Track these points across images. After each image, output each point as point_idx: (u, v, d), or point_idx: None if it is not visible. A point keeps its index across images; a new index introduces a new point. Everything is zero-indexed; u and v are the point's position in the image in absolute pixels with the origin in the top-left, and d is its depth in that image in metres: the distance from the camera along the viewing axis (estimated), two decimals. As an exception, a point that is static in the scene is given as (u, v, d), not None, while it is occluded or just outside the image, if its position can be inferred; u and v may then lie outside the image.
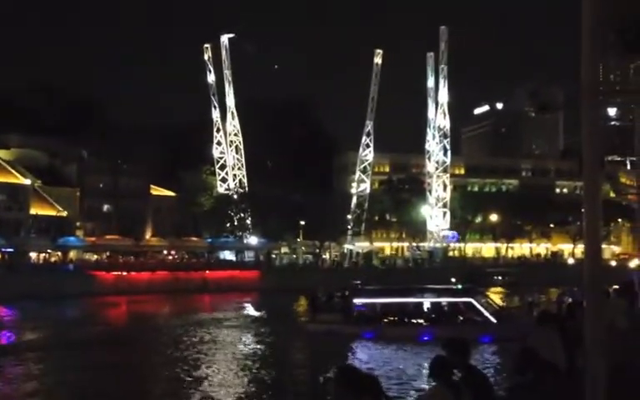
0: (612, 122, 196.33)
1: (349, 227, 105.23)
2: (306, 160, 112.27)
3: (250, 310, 59.21)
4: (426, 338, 35.44)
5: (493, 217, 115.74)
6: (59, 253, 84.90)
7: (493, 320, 37.90)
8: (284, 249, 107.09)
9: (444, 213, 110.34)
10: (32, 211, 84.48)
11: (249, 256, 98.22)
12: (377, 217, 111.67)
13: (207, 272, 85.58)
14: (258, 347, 38.95)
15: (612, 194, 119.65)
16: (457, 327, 35.16)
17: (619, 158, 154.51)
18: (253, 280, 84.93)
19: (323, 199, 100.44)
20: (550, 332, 10.78)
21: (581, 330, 6.57)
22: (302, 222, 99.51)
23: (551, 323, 11.36)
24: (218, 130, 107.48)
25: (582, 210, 6.19)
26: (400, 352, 34.75)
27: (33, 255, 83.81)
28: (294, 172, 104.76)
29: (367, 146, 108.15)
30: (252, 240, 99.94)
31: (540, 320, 11.92)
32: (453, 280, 58.90)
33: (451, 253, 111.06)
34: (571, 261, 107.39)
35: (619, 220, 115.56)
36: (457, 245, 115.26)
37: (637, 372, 11.29)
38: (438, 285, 45.18)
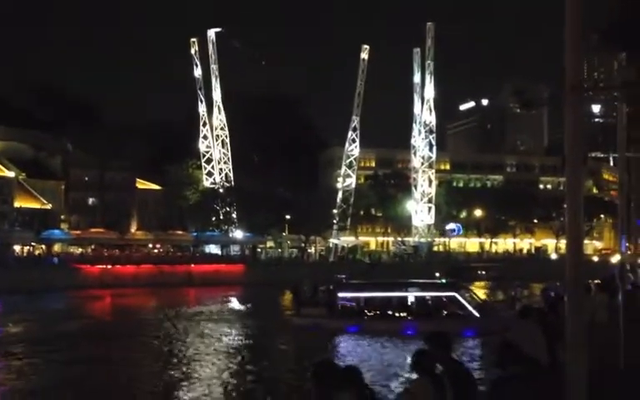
0: (597, 119, 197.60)
1: (335, 221, 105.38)
2: (292, 155, 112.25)
3: (235, 304, 59.06)
4: (410, 332, 35.50)
5: (478, 213, 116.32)
6: (43, 246, 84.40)
7: (477, 314, 38.05)
8: (270, 243, 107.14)
9: (429, 208, 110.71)
10: (17, 204, 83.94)
11: (235, 250, 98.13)
12: (362, 212, 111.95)
13: (193, 265, 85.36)
14: (243, 340, 38.87)
15: (595, 190, 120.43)
16: (441, 321, 35.27)
17: (602, 155, 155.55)
18: (239, 274, 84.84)
19: (309, 194, 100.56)
20: (531, 326, 10.84)
21: (563, 324, 6.62)
22: (288, 217, 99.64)
23: (532, 317, 11.46)
24: (205, 124, 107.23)
25: (565, 206, 6.25)
26: (383, 345, 34.85)
27: (17, 248, 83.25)
28: (280, 167, 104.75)
29: (353, 141, 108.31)
30: (238, 234, 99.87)
31: (522, 314, 12.01)
32: (437, 274, 59.20)
33: (435, 248, 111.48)
34: (554, 256, 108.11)
35: (602, 216, 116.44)
36: (442, 240, 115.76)
37: (616, 366, 11.40)
38: (423, 279, 45.27)
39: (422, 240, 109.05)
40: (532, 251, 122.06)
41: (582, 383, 5.92)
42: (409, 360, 6.53)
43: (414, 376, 6.51)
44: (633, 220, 21.34)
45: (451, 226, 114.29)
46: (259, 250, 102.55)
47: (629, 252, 21.75)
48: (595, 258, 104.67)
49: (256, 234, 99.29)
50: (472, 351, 32.36)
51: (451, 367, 7.02)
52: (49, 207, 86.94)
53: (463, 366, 7.66)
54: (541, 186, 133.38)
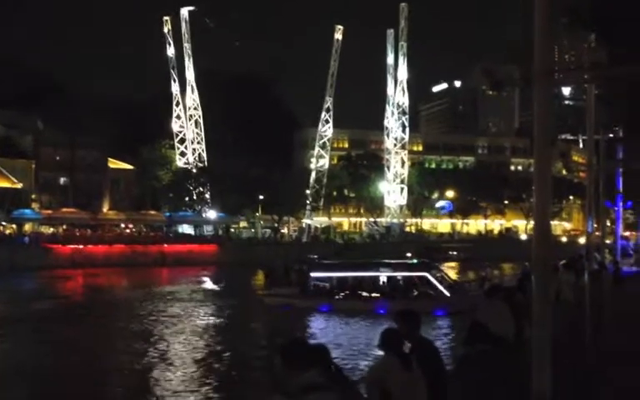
0: (567, 102, 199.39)
1: (308, 202, 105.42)
2: (266, 135, 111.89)
3: (208, 284, 59.13)
4: (381, 312, 35.85)
5: (450, 194, 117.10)
6: (14, 226, 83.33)
7: (447, 294, 38.57)
8: (243, 224, 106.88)
9: (402, 189, 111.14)
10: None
11: (208, 230, 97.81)
12: (335, 193, 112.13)
13: (166, 245, 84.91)
14: (216, 320, 38.96)
15: (564, 172, 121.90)
16: (412, 301, 35.62)
17: (572, 137, 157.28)
18: (211, 254, 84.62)
19: (283, 174, 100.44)
20: (499, 305, 10.98)
21: (530, 303, 6.71)
22: (261, 197, 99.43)
23: (500, 296, 11.58)
24: (178, 104, 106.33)
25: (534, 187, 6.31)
26: (354, 324, 35.16)
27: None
28: (254, 147, 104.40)
29: (327, 122, 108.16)
30: (211, 214, 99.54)
31: (489, 293, 12.11)
32: (409, 255, 59.65)
33: (407, 229, 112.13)
34: (524, 237, 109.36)
35: (571, 197, 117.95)
36: (414, 220, 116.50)
37: (581, 343, 11.58)
38: (394, 260, 45.62)
39: (395, 221, 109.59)
40: (503, 232, 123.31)
41: (546, 359, 6.03)
42: (378, 338, 6.54)
43: (382, 353, 6.53)
44: (601, 201, 21.65)
45: (441, 203, 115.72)
46: (232, 230, 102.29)
47: (596, 233, 22.07)
48: (564, 239, 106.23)
49: (229, 214, 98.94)
50: (442, 330, 32.78)
51: (419, 345, 7.06)
52: (20, 186, 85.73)
53: (432, 344, 7.72)
54: (512, 167, 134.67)
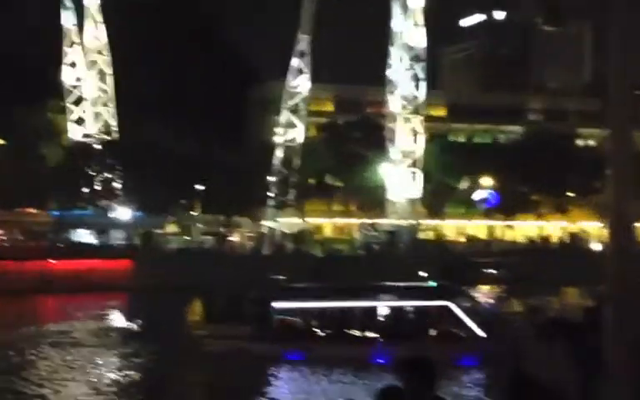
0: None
1: (271, 194, 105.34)
2: (207, 94, 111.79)
3: (118, 320, 59.63)
4: (380, 361, 35.91)
5: (486, 182, 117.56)
6: None
7: (481, 333, 38.86)
8: (172, 227, 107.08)
9: (414, 175, 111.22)
10: None
11: (118, 238, 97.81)
12: (313, 181, 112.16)
13: (52, 261, 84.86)
14: (128, 374, 38.84)
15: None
16: (428, 344, 35.72)
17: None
18: (123, 274, 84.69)
19: (233, 153, 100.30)
20: (558, 351, 10.94)
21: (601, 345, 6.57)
22: (200, 188, 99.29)
23: (561, 337, 11.53)
24: (72, 44, 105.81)
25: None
26: (341, 381, 35.13)
27: None
28: (189, 113, 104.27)
29: (300, 72, 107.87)
30: (123, 213, 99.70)
31: (544, 332, 12.08)
32: (424, 274, 59.80)
33: (422, 235, 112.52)
34: (598, 247, 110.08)
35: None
36: (432, 222, 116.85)
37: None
38: (401, 282, 45.72)
39: (403, 223, 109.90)
40: (566, 239, 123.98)
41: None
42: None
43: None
44: None
45: (482, 194, 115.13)
46: (156, 237, 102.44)
47: None
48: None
49: (151, 214, 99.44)
50: (471, 387, 32.90)
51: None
52: None
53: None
54: (580, 142, 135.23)
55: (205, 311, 46.72)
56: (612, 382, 6.21)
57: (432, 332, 39.28)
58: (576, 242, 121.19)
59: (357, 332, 39.93)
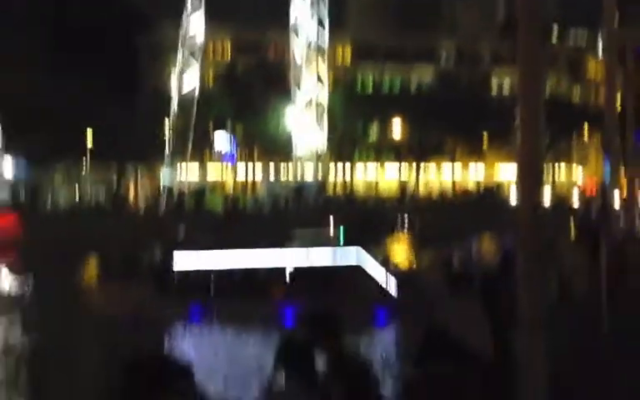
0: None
1: (167, 147, 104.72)
2: (94, 36, 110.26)
3: (4, 278, 59.59)
4: (287, 319, 36.19)
5: (397, 128, 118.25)
6: None
7: (391, 288, 39.50)
8: (59, 180, 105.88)
9: (319, 122, 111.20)
10: None
11: (0, 193, 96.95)
12: (212, 130, 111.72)
13: None
14: (24, 338, 38.89)
15: (574, 93, 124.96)
16: (337, 301, 36.07)
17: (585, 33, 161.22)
18: (8, 231, 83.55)
19: (124, 102, 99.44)
20: (470, 305, 11.22)
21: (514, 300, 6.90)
22: (90, 139, 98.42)
23: (473, 291, 11.85)
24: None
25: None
26: (244, 339, 35.43)
27: None
28: (75, 56, 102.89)
29: (195, 10, 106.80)
30: (6, 166, 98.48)
31: (454, 286, 12.44)
32: (332, 229, 60.20)
33: (330, 188, 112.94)
34: (513, 195, 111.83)
35: (585, 133, 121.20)
36: (340, 174, 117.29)
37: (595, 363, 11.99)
38: (308, 237, 46.03)
39: (309, 174, 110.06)
40: (480, 188, 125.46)
41: (537, 386, 6.20)
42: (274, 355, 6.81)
43: (280, 378, 6.70)
44: (628, 135, 22.16)
45: (221, 147, 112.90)
46: (42, 192, 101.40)
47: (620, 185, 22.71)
48: (574, 197, 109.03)
49: (36, 166, 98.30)
50: (381, 343, 33.45)
51: (340, 366, 7.20)
52: None
53: (359, 361, 7.83)
54: (494, 85, 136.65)
55: (98, 268, 46.70)
56: (522, 339, 6.53)
57: (341, 288, 39.42)
58: (490, 192, 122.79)
59: (261, 290, 39.98)
